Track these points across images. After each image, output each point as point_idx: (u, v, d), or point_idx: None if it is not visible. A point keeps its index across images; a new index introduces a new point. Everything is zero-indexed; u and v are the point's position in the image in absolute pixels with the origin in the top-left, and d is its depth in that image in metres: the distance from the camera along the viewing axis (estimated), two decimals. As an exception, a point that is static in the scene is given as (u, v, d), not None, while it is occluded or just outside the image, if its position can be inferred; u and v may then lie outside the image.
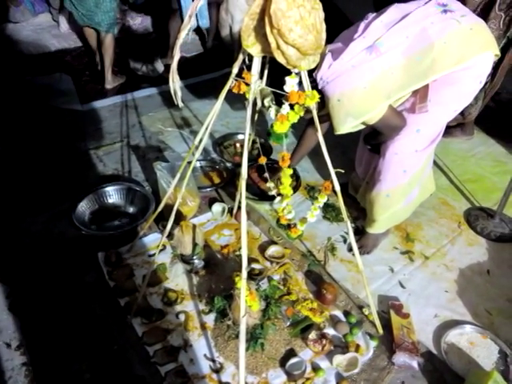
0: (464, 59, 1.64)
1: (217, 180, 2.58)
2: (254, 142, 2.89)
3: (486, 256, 2.12)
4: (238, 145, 2.89)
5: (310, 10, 1.17)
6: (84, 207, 2.19)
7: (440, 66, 1.64)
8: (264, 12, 1.17)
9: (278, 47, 1.19)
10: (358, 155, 2.31)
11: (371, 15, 1.74)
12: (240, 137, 2.95)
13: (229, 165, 2.68)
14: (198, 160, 1.80)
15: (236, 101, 2.95)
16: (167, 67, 3.85)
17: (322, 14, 1.22)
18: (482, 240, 2.21)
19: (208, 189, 2.48)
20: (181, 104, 1.44)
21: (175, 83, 1.38)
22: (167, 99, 3.44)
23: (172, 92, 1.43)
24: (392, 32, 1.63)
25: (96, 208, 2.25)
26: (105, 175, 2.57)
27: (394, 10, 1.70)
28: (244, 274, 1.34)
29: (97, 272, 1.94)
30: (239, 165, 2.61)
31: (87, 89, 3.53)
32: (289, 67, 1.26)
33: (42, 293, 1.85)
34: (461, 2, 1.72)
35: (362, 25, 1.70)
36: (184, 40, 1.34)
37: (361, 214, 2.26)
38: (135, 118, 3.17)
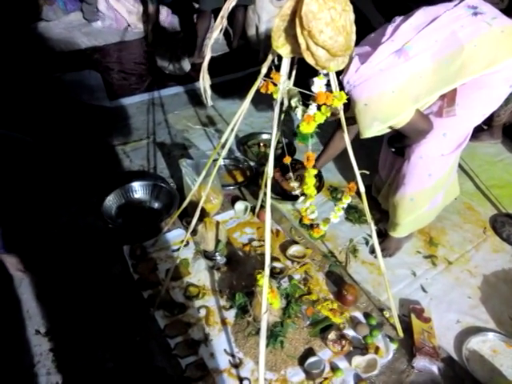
0: (494, 63, 1.62)
1: (240, 178, 2.60)
2: (278, 141, 2.92)
3: (512, 263, 2.09)
4: (261, 144, 2.92)
5: (340, 12, 1.17)
6: (111, 201, 2.25)
7: (469, 69, 1.62)
8: (295, 13, 1.19)
9: (308, 48, 1.20)
10: (382, 157, 2.30)
11: (398, 18, 1.73)
12: (264, 136, 2.97)
13: (252, 164, 2.70)
14: (222, 158, 1.84)
15: (260, 101, 2.98)
16: (194, 66, 3.91)
17: (352, 16, 1.23)
18: (507, 247, 2.17)
19: (231, 187, 2.51)
20: (210, 103, 1.47)
21: (205, 82, 1.41)
22: (193, 98, 3.50)
23: (202, 90, 1.46)
24: (421, 35, 1.61)
25: (123, 202, 2.30)
26: (131, 171, 2.63)
27: (422, 13, 1.68)
28: (266, 271, 1.36)
29: (122, 264, 2.00)
30: (262, 164, 2.66)
31: (115, 86, 3.60)
32: (318, 68, 1.27)
33: (70, 283, 1.91)
34: None
35: (390, 28, 1.70)
36: (212, 38, 1.37)
37: (383, 217, 2.25)
38: (161, 115, 3.23)
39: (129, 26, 4.55)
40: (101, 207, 2.19)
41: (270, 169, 1.36)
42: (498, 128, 2.92)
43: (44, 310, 1.80)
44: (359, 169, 1.51)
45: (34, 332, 1.72)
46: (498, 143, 2.95)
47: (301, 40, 1.19)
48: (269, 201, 1.37)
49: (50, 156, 2.63)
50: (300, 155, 2.64)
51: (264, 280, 1.37)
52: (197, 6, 4.46)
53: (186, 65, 3.88)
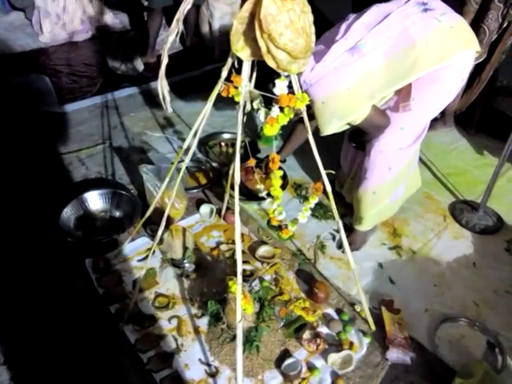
0: (446, 57, 1.66)
1: (203, 180, 2.56)
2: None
3: (472, 248, 2.17)
4: (223, 144, 2.88)
5: (299, 14, 1.16)
6: (69, 213, 2.14)
7: (422, 64, 1.66)
8: (253, 16, 1.16)
9: (269, 51, 1.18)
10: (343, 152, 2.32)
11: (352, 16, 1.75)
12: (225, 136, 2.93)
13: (215, 165, 2.66)
14: (182, 160, 1.79)
15: (220, 100, 2.94)
16: (147, 65, 3.79)
17: (311, 17, 1.22)
18: (467, 233, 2.26)
19: (195, 190, 2.46)
20: (170, 109, 1.42)
21: (164, 88, 1.36)
22: (148, 99, 3.40)
23: (161, 97, 1.41)
24: (373, 33, 1.64)
25: (81, 213, 2.20)
26: (88, 179, 2.52)
27: (374, 11, 1.71)
28: (239, 279, 1.34)
29: (85, 279, 1.91)
30: (225, 164, 2.63)
31: (65, 89, 3.43)
32: (279, 71, 1.25)
33: (30, 301, 1.81)
34: None
35: (344, 26, 1.71)
36: (165, 37, 1.32)
37: (348, 211, 2.28)
38: (117, 118, 3.12)
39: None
40: (58, 220, 2.08)
41: (236, 174, 1.33)
42: (450, 116, 3.02)
43: (6, 332, 1.69)
44: (322, 164, 1.51)
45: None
46: (451, 131, 3.05)
47: (261, 43, 1.17)
48: (237, 207, 1.34)
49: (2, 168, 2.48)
50: (263, 154, 2.63)
51: (237, 288, 1.34)
52: (146, 3, 4.34)
53: (139, 64, 3.77)
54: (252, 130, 2.87)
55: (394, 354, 1.64)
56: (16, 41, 4.08)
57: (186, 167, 2.62)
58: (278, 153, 2.24)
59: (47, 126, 2.96)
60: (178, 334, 1.72)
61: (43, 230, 2.12)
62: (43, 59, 3.90)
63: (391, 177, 1.93)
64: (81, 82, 3.57)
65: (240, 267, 1.33)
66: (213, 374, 1.60)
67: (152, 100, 3.37)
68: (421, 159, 2.71)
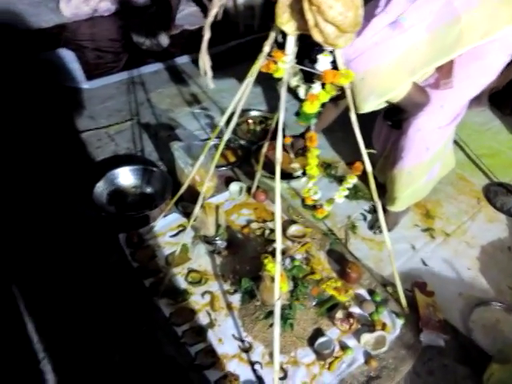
0: (492, 31, 1.59)
1: (232, 158, 2.54)
2: (266, 118, 2.86)
3: (507, 232, 2.12)
4: (250, 121, 2.84)
5: (350, -15, 1.11)
6: (101, 188, 2.16)
7: (466, 39, 1.59)
8: (301, -13, 1.12)
9: (316, 25, 1.14)
10: (376, 130, 2.27)
11: None
12: (252, 113, 2.90)
13: (243, 142, 2.64)
14: (216, 139, 1.79)
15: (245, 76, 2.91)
16: (171, 40, 3.74)
17: (360, -11, 1.17)
18: (501, 216, 2.21)
19: (224, 168, 2.45)
20: (212, 85, 1.40)
21: (206, 64, 1.33)
22: (174, 75, 3.37)
23: (202, 73, 1.38)
24: (415, 6, 1.57)
25: (113, 189, 2.21)
26: (118, 155, 2.53)
27: None
28: (278, 257, 1.33)
29: (119, 253, 1.93)
30: (253, 142, 2.60)
31: (90, 65, 3.42)
32: (325, 45, 1.21)
33: (68, 275, 1.84)
34: None
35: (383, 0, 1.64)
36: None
37: (380, 191, 2.23)
38: (143, 95, 3.10)
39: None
40: (91, 195, 2.10)
41: (278, 153, 1.31)
42: (485, 94, 2.92)
43: (44, 304, 1.73)
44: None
45: (36, 328, 1.66)
46: (484, 110, 2.96)
47: (309, 16, 1.12)
48: (278, 188, 1.31)
49: (31, 143, 2.50)
50: (291, 132, 2.60)
51: (276, 266, 1.34)
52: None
53: (164, 39, 3.71)
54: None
55: (428, 336, 1.63)
56: (40, 16, 4.04)
57: (214, 145, 2.61)
58: (306, 132, 2.22)
59: (75, 101, 2.96)
60: (211, 309, 1.74)
61: (76, 204, 2.14)
62: (67, 34, 3.87)
63: (428, 156, 1.88)
64: (106, 57, 3.55)
65: (279, 246, 1.32)
66: (246, 350, 1.62)
67: (178, 76, 3.34)
68: (454, 139, 2.65)
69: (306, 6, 1.12)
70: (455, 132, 2.54)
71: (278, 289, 1.35)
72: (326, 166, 2.48)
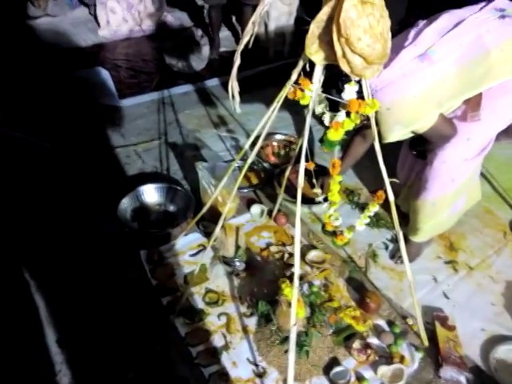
0: None
1: (255, 181, 2.57)
2: (291, 142, 2.89)
3: (534, 269, 2.06)
4: (274, 144, 2.88)
5: (378, 19, 1.14)
6: (126, 204, 2.21)
7: (496, 74, 1.59)
8: (330, 20, 1.15)
9: (344, 56, 1.16)
10: (401, 159, 2.26)
11: (422, 22, 1.69)
12: (277, 137, 2.93)
13: (266, 165, 2.67)
14: (240, 161, 1.83)
15: (272, 101, 2.97)
16: (210, 62, 3.83)
17: (388, 23, 1.19)
18: (529, 252, 2.15)
19: (246, 190, 2.48)
20: (238, 110, 1.43)
21: (234, 89, 1.37)
22: (203, 96, 3.45)
23: (230, 97, 1.42)
24: (445, 40, 1.58)
25: (137, 205, 2.26)
26: (144, 172, 2.60)
27: (446, 17, 1.64)
28: (296, 282, 1.33)
29: (139, 269, 1.96)
30: (276, 166, 2.63)
31: (123, 84, 3.55)
32: (352, 76, 1.23)
33: (87, 289, 1.88)
34: None
35: (413, 32, 1.66)
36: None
37: (402, 221, 2.21)
38: (172, 115, 3.19)
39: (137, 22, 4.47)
40: (116, 211, 2.15)
41: (300, 178, 1.32)
42: (513, 128, 2.87)
43: (62, 317, 1.77)
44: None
45: (55, 340, 1.69)
46: (514, 143, 2.91)
47: (337, 47, 1.15)
48: (299, 212, 1.33)
49: (64, 160, 2.59)
50: (317, 159, 2.62)
51: (293, 291, 1.33)
52: (200, 2, 4.43)
53: (196, 62, 3.82)
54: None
55: (448, 373, 1.58)
56: (80, 35, 4.25)
57: (238, 166, 2.65)
58: None
59: (107, 118, 3.07)
60: (226, 331, 1.74)
61: (101, 220, 2.20)
62: (104, 54, 4.05)
63: (453, 188, 1.86)
64: (139, 77, 3.68)
65: (298, 271, 1.32)
66: (260, 375, 1.61)
67: (206, 98, 3.42)
68: (480, 172, 2.61)
69: (335, 37, 1.15)
70: (482, 164, 2.51)
71: (295, 314, 1.34)
72: (348, 193, 2.47)
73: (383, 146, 1.69)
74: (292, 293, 1.34)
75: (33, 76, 3.37)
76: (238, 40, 4.43)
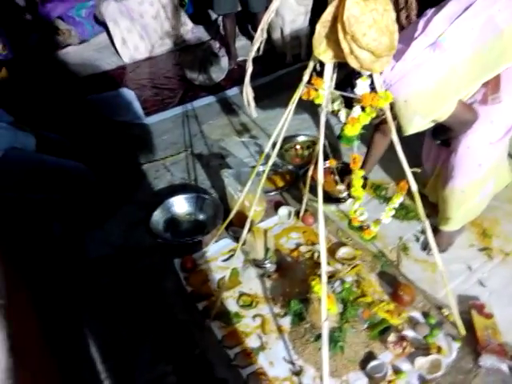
0: None
1: (280, 183, 2.60)
2: (314, 143, 2.91)
3: None
4: (298, 147, 2.91)
5: (382, 13, 1.16)
6: (158, 216, 2.30)
7: (511, 53, 1.57)
8: (335, 19, 1.18)
9: (352, 52, 1.19)
10: (425, 150, 2.24)
11: (430, 11, 1.68)
12: (299, 139, 2.96)
13: (290, 167, 2.70)
14: (262, 165, 1.87)
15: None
16: (229, 72, 3.92)
17: (393, 15, 1.21)
18: None
19: (272, 192, 2.51)
20: (255, 114, 1.48)
21: (249, 95, 1.42)
22: (225, 106, 3.53)
23: (246, 103, 1.47)
24: (455, 26, 1.56)
25: (169, 216, 2.35)
26: (173, 184, 2.68)
27: (455, 3, 1.62)
28: (324, 278, 1.36)
29: (174, 278, 2.03)
30: (301, 167, 2.66)
31: (149, 102, 3.67)
32: (362, 70, 1.26)
33: (126, 300, 1.96)
34: None
35: (422, 22, 1.65)
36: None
37: (432, 211, 2.19)
38: (196, 126, 3.28)
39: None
40: (149, 223, 2.24)
41: (319, 174, 1.35)
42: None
43: (105, 326, 1.85)
44: (400, 165, 1.48)
45: (97, 349, 1.77)
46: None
47: (344, 45, 1.18)
48: (321, 206, 1.36)
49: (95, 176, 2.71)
50: (344, 157, 2.63)
51: (322, 287, 1.36)
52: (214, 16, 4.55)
53: (216, 74, 3.91)
54: (329, 131, 2.87)
55: (488, 361, 1.55)
56: (104, 59, 4.43)
57: (263, 170, 2.70)
58: (362, 167, 2.25)
59: (136, 136, 3.19)
60: (262, 332, 1.78)
61: (134, 231, 2.29)
62: (128, 74, 4.20)
63: (481, 173, 1.83)
64: (162, 94, 3.80)
65: (324, 266, 1.34)
66: (297, 373, 1.63)
67: (228, 107, 3.50)
68: (510, 154, 2.54)
69: (340, 35, 1.18)
70: (510, 145, 2.45)
71: (325, 310, 1.36)
72: (375, 188, 2.47)
73: (407, 137, 1.70)
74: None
75: (63, 105, 3.53)
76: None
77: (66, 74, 4.10)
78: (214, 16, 4.63)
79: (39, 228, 1.98)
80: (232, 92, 3.69)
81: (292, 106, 1.45)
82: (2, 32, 3.74)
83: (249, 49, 1.35)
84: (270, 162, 1.64)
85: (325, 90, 1.33)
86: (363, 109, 1.42)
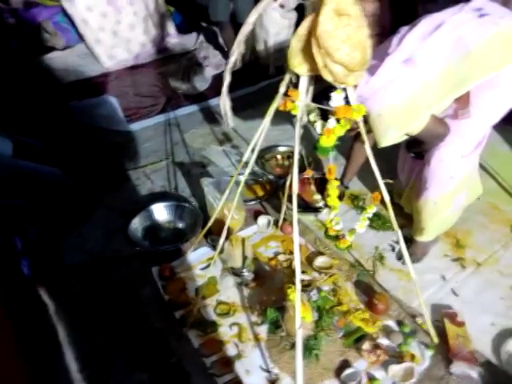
0: (505, 62, 1.62)
1: (260, 193, 2.63)
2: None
3: (543, 261, 2.06)
4: (278, 157, 2.94)
5: (355, 29, 1.20)
6: (137, 224, 2.29)
7: (479, 72, 1.62)
8: (310, 33, 1.22)
9: (326, 66, 1.23)
10: (400, 161, 2.30)
11: (404, 29, 1.74)
12: (280, 149, 3.00)
13: (271, 177, 2.73)
14: (241, 174, 1.89)
15: (275, 114, 3.05)
16: (213, 82, 3.93)
17: (367, 31, 1.25)
18: (536, 245, 2.15)
19: (252, 202, 2.53)
20: (231, 124, 1.51)
21: (226, 105, 1.44)
22: (208, 115, 3.56)
23: (222, 113, 1.49)
24: (427, 43, 1.62)
25: (148, 224, 2.34)
26: (153, 192, 2.68)
27: (427, 21, 1.69)
28: (298, 285, 1.38)
29: (152, 286, 2.03)
30: (281, 177, 2.69)
31: (132, 109, 3.67)
32: (335, 84, 1.30)
33: (102, 307, 1.95)
34: None
35: (395, 39, 1.71)
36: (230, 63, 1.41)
37: (407, 222, 2.24)
38: (178, 135, 3.29)
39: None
40: (127, 230, 2.23)
41: (294, 183, 1.38)
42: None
43: (79, 335, 1.83)
44: (380, 174, 1.52)
45: (73, 357, 1.75)
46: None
47: (318, 59, 1.22)
48: (295, 216, 1.38)
49: (74, 182, 2.69)
50: (317, 167, 2.66)
51: (296, 295, 1.38)
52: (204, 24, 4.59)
53: (199, 83, 3.94)
54: (309, 143, 2.91)
55: (459, 368, 1.59)
56: (87, 66, 4.40)
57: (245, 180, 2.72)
58: (341, 179, 2.29)
59: (116, 144, 3.18)
60: (238, 340, 1.78)
61: (112, 239, 2.28)
62: (111, 82, 4.19)
63: (453, 185, 1.89)
64: (145, 102, 3.80)
65: (299, 273, 1.36)
66: (273, 381, 1.64)
67: (211, 116, 3.52)
68: (484, 168, 2.62)
69: (315, 49, 1.22)
70: (485, 161, 2.53)
71: (300, 318, 1.38)
72: (353, 198, 2.51)
73: (385, 149, 1.74)
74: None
75: (42, 110, 3.50)
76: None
77: (49, 80, 4.07)
78: (204, 24, 4.68)
79: (14, 233, 1.96)
80: (215, 101, 3.71)
81: (269, 117, 1.48)
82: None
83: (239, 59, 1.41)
84: (247, 171, 1.66)
85: (300, 102, 1.36)
86: (338, 121, 1.45)
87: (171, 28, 4.73)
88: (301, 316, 1.43)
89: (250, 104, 3.46)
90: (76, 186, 2.27)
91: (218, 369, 1.68)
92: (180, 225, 2.39)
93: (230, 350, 1.75)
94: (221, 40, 4.28)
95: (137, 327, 1.84)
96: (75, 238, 2.32)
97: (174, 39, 4.74)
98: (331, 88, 1.45)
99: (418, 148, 1.97)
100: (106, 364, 1.72)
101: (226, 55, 4.11)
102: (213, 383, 1.64)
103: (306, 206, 2.36)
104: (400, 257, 2.13)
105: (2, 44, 4.07)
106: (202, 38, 4.57)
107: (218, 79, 4.05)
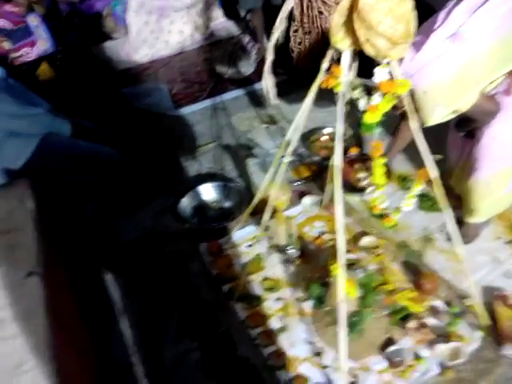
0: None
1: (305, 174, 2.64)
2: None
3: None
4: (324, 138, 2.93)
5: (398, 1, 1.18)
6: (186, 203, 2.39)
7: None
8: (352, 7, 1.21)
9: (368, 40, 1.22)
10: (450, 140, 2.22)
11: (451, 3, 1.66)
12: (325, 130, 2.98)
13: (316, 158, 2.73)
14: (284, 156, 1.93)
15: (321, 96, 3.02)
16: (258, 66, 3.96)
17: (410, 4, 1.23)
18: None
19: (298, 182, 2.55)
20: (275, 102, 1.52)
21: (268, 82, 1.47)
22: (253, 99, 3.58)
23: (264, 90, 1.52)
24: (476, 17, 1.54)
25: (196, 203, 2.44)
26: (201, 173, 2.77)
27: None
28: (342, 259, 1.39)
29: (200, 262, 2.12)
30: (326, 158, 2.68)
31: (180, 95, 3.78)
32: (379, 59, 1.28)
33: (154, 281, 2.06)
34: None
35: (442, 14, 1.63)
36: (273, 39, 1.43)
37: (458, 203, 2.17)
38: (224, 119, 3.35)
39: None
40: (176, 209, 2.34)
41: (337, 160, 1.39)
42: None
43: (133, 306, 1.96)
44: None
45: (128, 326, 1.88)
46: None
47: (360, 32, 1.21)
48: (338, 190, 1.39)
49: (127, 165, 2.82)
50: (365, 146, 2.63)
51: (339, 269, 1.40)
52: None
53: (245, 68, 3.97)
54: (354, 122, 2.87)
55: (511, 350, 1.55)
56: (138, 54, 4.56)
57: (290, 161, 2.74)
58: (385, 154, 2.25)
59: (166, 127, 3.30)
60: (283, 315, 1.83)
61: (163, 217, 2.39)
62: (160, 69, 4.32)
63: (508, 165, 1.81)
64: (193, 87, 3.90)
65: (343, 247, 1.37)
66: (317, 354, 1.68)
67: (256, 100, 3.55)
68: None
69: (356, 23, 1.21)
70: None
71: (343, 291, 1.40)
72: (401, 179, 2.46)
73: (433, 128, 1.70)
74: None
75: (97, 96, 3.68)
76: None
77: (103, 68, 4.27)
78: (242, 13, 4.68)
79: (74, 207, 2.11)
80: (260, 85, 3.72)
81: (312, 94, 1.49)
82: (46, 27, 3.91)
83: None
84: (290, 148, 1.68)
85: (343, 77, 1.36)
86: (383, 96, 1.44)
87: (218, 13, 4.78)
88: (345, 291, 1.45)
89: (295, 86, 3.44)
90: (129, 166, 2.38)
91: (263, 340, 1.75)
92: (227, 204, 2.46)
93: (275, 323, 1.81)
94: (251, 26, 4.25)
95: (187, 299, 1.95)
96: (129, 216, 2.45)
97: (220, 25, 4.79)
98: (374, 64, 1.44)
99: (467, 126, 1.90)
100: (158, 331, 1.84)
101: (256, 40, 4.09)
102: (258, 353, 1.71)
103: (351, 187, 2.34)
104: (450, 238, 2.07)
105: (60, 36, 4.30)
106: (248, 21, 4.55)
107: (263, 64, 4.06)
